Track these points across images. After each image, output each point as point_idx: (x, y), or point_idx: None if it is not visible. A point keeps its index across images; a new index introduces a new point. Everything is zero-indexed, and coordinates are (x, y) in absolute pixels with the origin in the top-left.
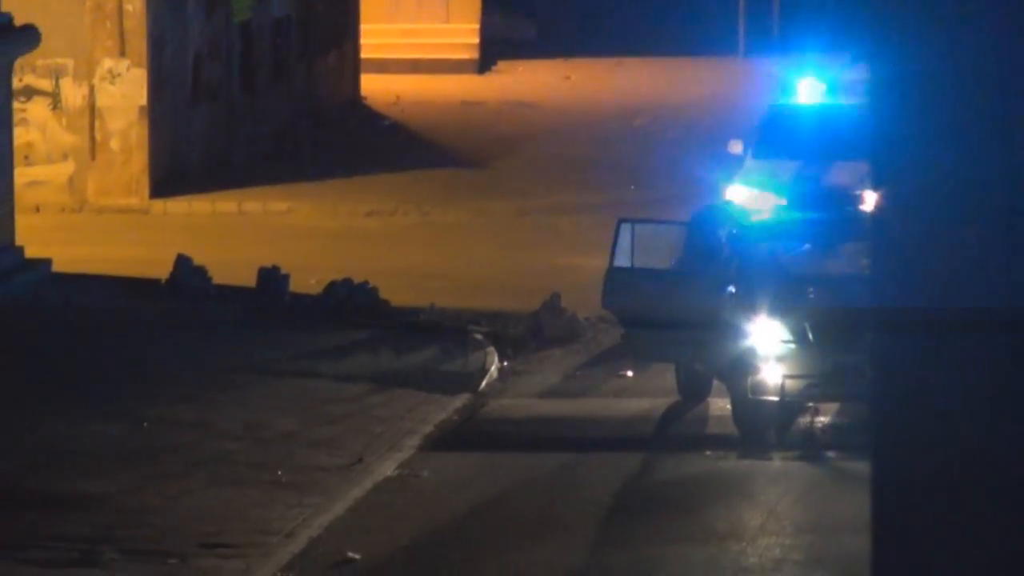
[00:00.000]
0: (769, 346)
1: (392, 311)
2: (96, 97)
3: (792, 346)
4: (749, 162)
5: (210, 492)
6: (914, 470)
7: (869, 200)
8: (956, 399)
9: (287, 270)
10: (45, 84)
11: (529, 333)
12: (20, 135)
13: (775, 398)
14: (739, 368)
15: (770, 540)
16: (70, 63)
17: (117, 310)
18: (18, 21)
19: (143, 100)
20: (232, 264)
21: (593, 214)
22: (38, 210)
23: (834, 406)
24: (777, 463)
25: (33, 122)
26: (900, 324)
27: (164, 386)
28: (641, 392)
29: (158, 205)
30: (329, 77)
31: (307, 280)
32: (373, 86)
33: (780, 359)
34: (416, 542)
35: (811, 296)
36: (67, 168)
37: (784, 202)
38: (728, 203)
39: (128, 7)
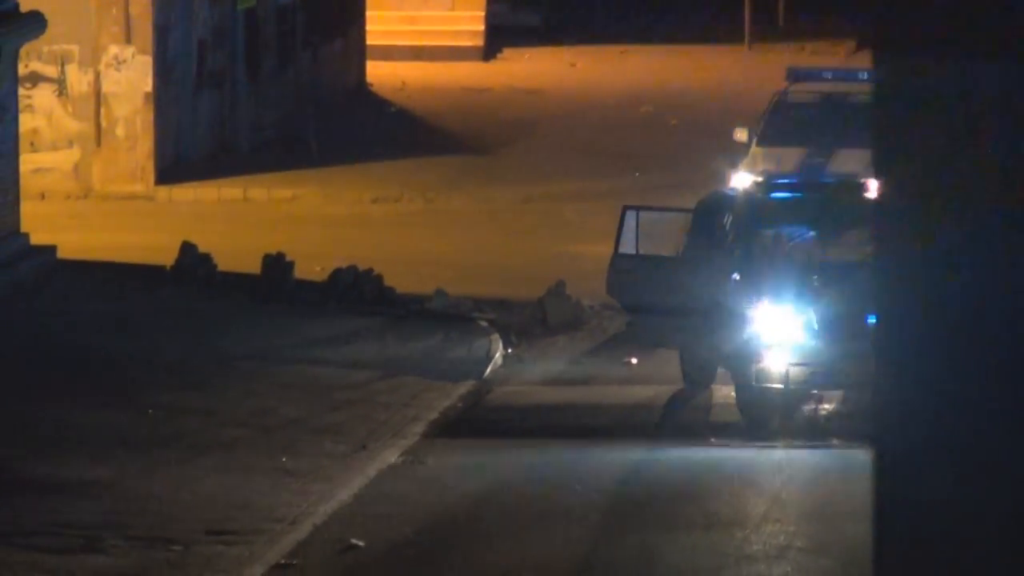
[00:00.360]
0: (774, 333)
1: (397, 298)
2: (102, 84)
3: (796, 333)
4: (754, 149)
5: (214, 479)
6: (918, 458)
7: (873, 188)
8: (961, 386)
9: (292, 257)
10: (51, 70)
11: (534, 320)
12: (26, 121)
13: (779, 386)
14: (743, 356)
15: (774, 527)
16: (76, 49)
17: (122, 297)
18: (24, 7)
19: (148, 87)
20: (237, 251)
21: (598, 201)
22: (43, 197)
23: (838, 394)
24: (781, 451)
25: (39, 108)
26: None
27: (169, 373)
28: (646, 379)
29: (163, 192)
30: (334, 64)
31: (312, 267)
32: (378, 73)
33: (784, 347)
34: (420, 529)
35: (816, 283)
36: (73, 155)
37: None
38: (733, 190)
39: None
